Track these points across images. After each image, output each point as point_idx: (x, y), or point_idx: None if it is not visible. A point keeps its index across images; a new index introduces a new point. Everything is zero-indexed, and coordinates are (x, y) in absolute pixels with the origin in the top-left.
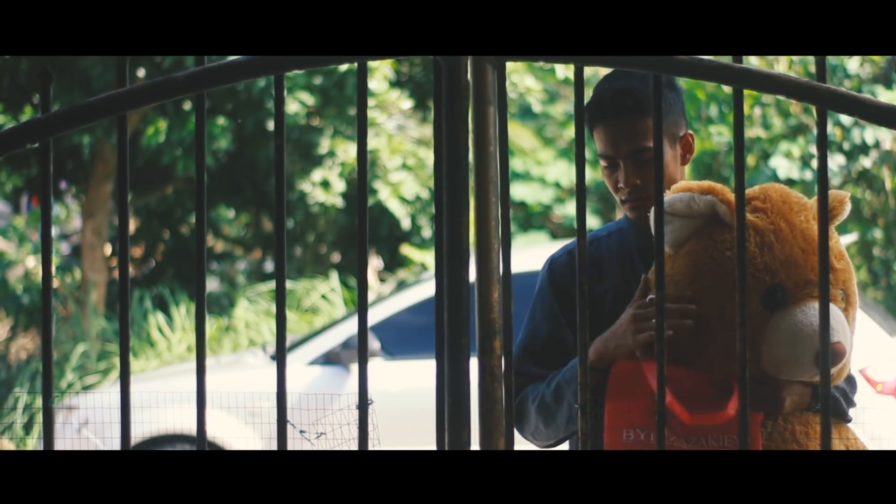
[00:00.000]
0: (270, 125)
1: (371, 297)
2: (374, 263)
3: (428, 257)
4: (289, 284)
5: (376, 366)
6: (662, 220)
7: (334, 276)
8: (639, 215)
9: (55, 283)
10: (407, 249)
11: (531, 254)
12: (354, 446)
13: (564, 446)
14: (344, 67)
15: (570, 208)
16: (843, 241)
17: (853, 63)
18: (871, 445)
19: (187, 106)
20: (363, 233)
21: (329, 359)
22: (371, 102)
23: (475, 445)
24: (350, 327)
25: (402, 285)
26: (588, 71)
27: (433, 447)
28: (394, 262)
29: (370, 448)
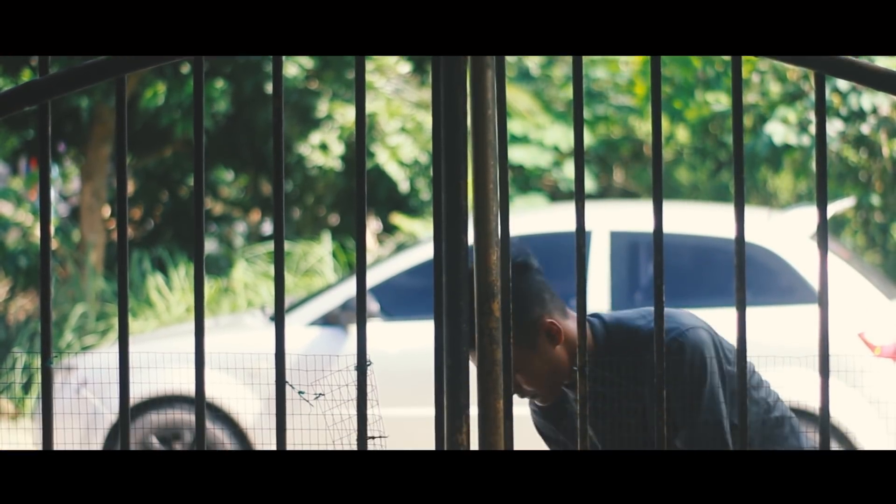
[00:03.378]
0: (269, 88)
1: (370, 259)
2: (373, 226)
3: (418, 225)
4: (287, 246)
5: (375, 327)
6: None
7: (329, 238)
8: (543, 400)
9: (54, 245)
10: (398, 219)
11: (529, 217)
12: (353, 408)
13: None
14: None
15: (568, 171)
16: (841, 206)
17: None
18: (870, 408)
19: (186, 69)
20: (361, 195)
21: (328, 320)
22: (369, 66)
23: (473, 408)
24: (349, 289)
25: (400, 247)
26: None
27: (432, 409)
28: (392, 225)
29: (369, 408)
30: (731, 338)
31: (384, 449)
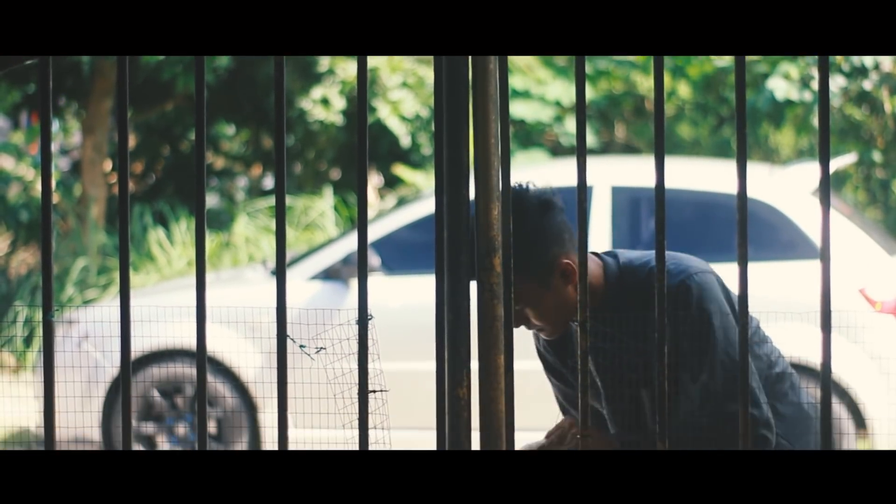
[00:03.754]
0: None
1: (371, 213)
2: (374, 181)
3: (420, 177)
4: (288, 201)
5: (376, 281)
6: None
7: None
8: (549, 335)
9: (55, 199)
10: (400, 169)
11: (531, 171)
12: (354, 362)
13: None
14: None
15: (569, 126)
16: (843, 162)
17: None
18: (871, 364)
19: None
20: (363, 149)
21: (329, 274)
22: None
23: (474, 362)
24: (350, 243)
25: (402, 202)
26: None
27: (433, 363)
28: (393, 180)
29: (370, 362)
30: (732, 293)
31: (385, 433)
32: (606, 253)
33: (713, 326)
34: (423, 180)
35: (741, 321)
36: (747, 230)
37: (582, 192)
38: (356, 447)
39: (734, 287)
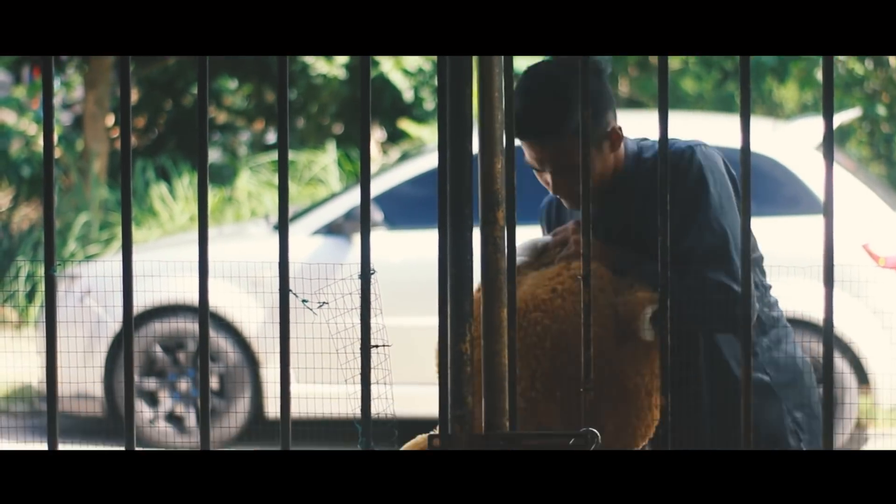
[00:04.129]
0: None
1: (374, 168)
2: (377, 135)
3: (426, 131)
4: (291, 155)
5: (379, 236)
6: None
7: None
8: (571, 204)
9: (57, 153)
10: (405, 124)
11: None
12: (356, 316)
13: None
14: None
15: None
16: (847, 117)
17: None
18: (874, 319)
19: None
20: (366, 103)
21: (332, 229)
22: None
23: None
24: (353, 198)
25: (405, 156)
26: None
27: (435, 318)
28: (396, 134)
29: (372, 317)
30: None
31: (389, 417)
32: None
33: (709, 193)
34: (428, 135)
35: (744, 274)
36: (751, 185)
37: (586, 148)
38: (358, 402)
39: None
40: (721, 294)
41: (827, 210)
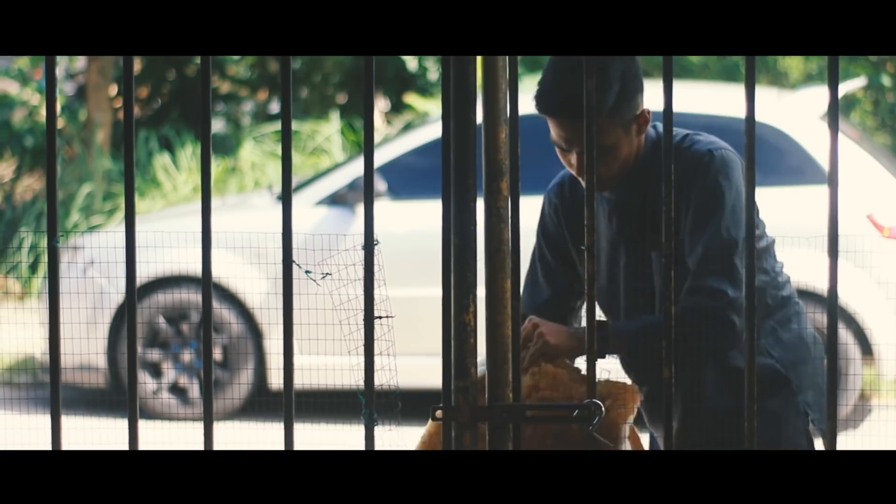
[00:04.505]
0: None
1: (378, 138)
2: (381, 105)
3: (432, 105)
4: (294, 125)
5: (382, 207)
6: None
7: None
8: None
9: (60, 124)
10: (411, 98)
11: None
12: (360, 287)
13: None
14: None
15: None
16: (852, 86)
17: None
18: (878, 289)
19: None
20: (369, 75)
21: (335, 200)
22: None
23: (481, 288)
24: (356, 168)
25: (408, 126)
26: None
27: (439, 289)
28: (400, 105)
29: (376, 288)
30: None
31: (396, 402)
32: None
33: (724, 199)
34: (434, 108)
35: (748, 243)
36: (755, 154)
37: (590, 118)
38: (362, 373)
39: (742, 213)
40: (716, 300)
41: (832, 180)
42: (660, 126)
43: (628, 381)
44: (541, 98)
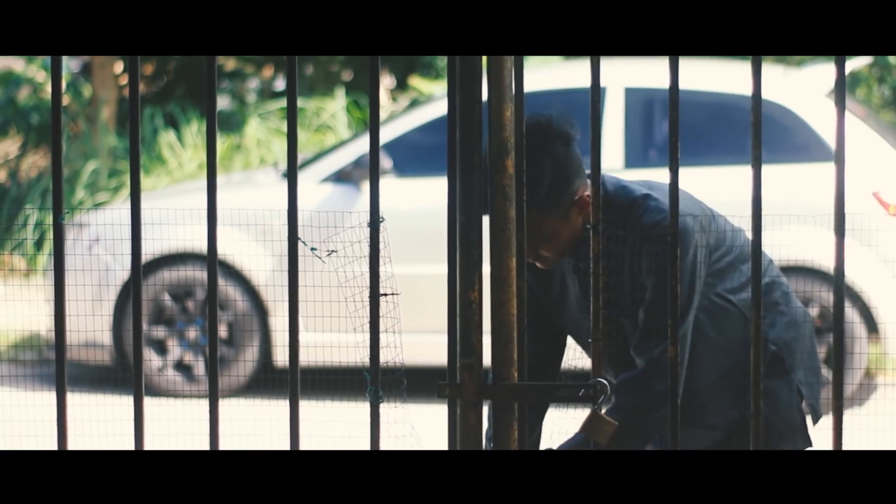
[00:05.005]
0: None
1: (383, 115)
2: (386, 82)
3: (437, 87)
4: (300, 102)
5: (388, 184)
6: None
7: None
8: (542, 265)
9: (65, 101)
10: (416, 81)
11: (544, 73)
12: (365, 265)
13: None
14: None
15: None
16: (858, 63)
17: None
18: (884, 267)
19: None
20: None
21: (341, 177)
22: None
23: (486, 266)
24: (362, 145)
25: (414, 104)
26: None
27: (444, 266)
28: (405, 84)
29: (381, 265)
30: (745, 196)
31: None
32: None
33: (684, 270)
34: (440, 90)
35: (754, 222)
36: (761, 132)
37: (595, 93)
38: (367, 350)
39: (748, 190)
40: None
41: (838, 157)
42: (609, 181)
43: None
44: None
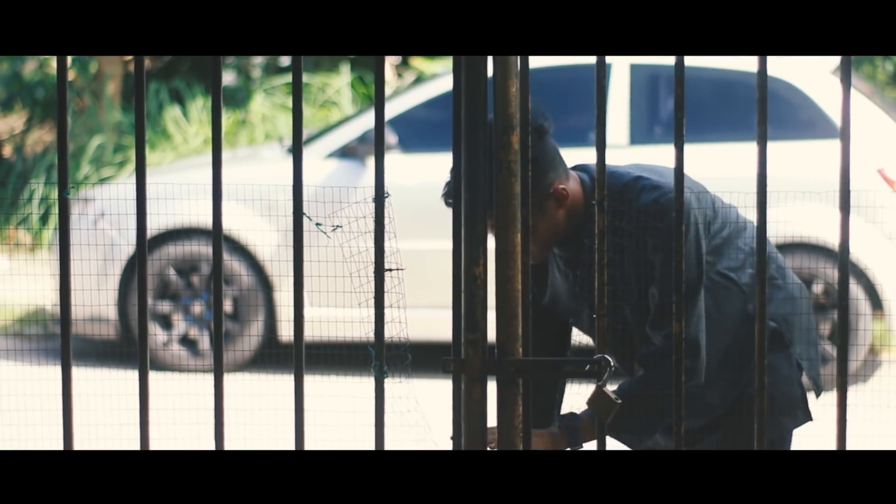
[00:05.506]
0: None
1: (388, 91)
2: (391, 58)
3: (439, 66)
4: (305, 78)
5: (393, 160)
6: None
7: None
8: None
9: (71, 76)
10: (418, 62)
11: None
12: (370, 240)
13: None
14: None
15: None
16: None
17: None
18: (888, 244)
19: None
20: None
21: (346, 152)
22: None
23: (490, 240)
24: (367, 121)
25: (419, 79)
26: None
27: (449, 242)
28: (407, 61)
29: (386, 241)
30: (750, 172)
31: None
32: (576, 167)
33: (689, 244)
34: (441, 69)
35: (759, 189)
36: (767, 109)
37: (601, 71)
38: (372, 326)
39: (753, 166)
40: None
41: (844, 134)
42: (592, 169)
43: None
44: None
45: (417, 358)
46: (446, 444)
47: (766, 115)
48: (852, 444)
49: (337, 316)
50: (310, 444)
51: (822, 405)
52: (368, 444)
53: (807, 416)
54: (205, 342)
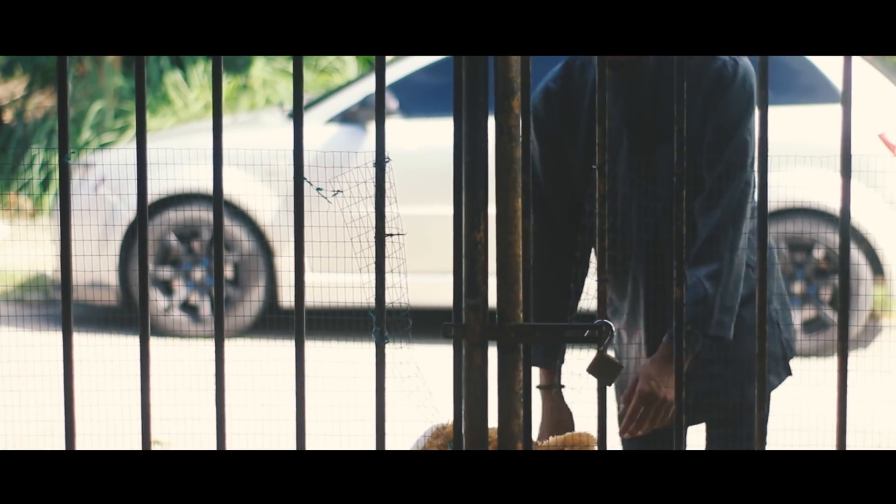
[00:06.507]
0: None
1: (389, 56)
2: None
3: None
4: None
5: (394, 125)
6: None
7: None
8: None
9: None
10: None
11: None
12: (371, 205)
13: None
14: None
15: None
16: None
17: None
18: (889, 209)
19: None
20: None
21: (346, 117)
22: None
23: (492, 207)
24: (367, 86)
25: None
26: None
27: (450, 206)
28: None
29: (387, 206)
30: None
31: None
32: None
33: (750, 108)
34: None
35: (760, 167)
36: (768, 73)
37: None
38: (373, 291)
39: (754, 133)
40: (693, 293)
41: (845, 99)
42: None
43: (588, 433)
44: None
45: (418, 323)
46: (447, 409)
47: (768, 80)
48: (853, 410)
49: (338, 281)
50: (310, 410)
51: (822, 371)
52: (369, 410)
53: (787, 372)
54: (206, 308)
